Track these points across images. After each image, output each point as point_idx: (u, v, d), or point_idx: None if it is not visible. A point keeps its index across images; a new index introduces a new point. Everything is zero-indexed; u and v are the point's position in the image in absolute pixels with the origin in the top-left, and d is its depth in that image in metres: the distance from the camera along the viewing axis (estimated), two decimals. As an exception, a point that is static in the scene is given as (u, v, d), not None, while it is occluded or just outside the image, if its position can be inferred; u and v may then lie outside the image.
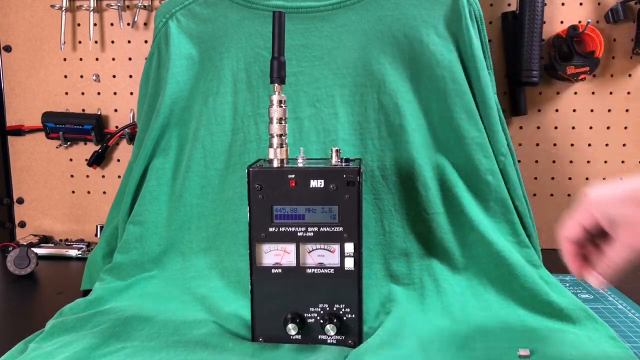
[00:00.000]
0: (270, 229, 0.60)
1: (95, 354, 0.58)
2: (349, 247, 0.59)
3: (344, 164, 0.60)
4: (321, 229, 0.59)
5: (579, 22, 0.96)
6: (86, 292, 0.77)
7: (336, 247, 0.59)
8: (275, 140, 0.60)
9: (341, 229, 0.59)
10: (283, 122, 0.60)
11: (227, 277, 0.77)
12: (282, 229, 0.59)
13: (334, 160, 0.61)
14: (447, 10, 0.79)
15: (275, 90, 0.60)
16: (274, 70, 0.60)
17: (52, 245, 1.04)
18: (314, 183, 0.58)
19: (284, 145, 0.60)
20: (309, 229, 0.59)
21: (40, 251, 0.98)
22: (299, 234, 0.59)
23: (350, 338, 0.61)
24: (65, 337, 0.62)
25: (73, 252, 1.01)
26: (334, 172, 0.58)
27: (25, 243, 1.00)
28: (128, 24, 1.02)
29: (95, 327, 0.64)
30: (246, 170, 0.59)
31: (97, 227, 1.05)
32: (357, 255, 0.59)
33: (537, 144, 1.00)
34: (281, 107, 0.60)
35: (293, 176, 0.58)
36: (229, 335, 0.63)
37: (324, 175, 0.58)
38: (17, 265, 0.89)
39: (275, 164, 0.60)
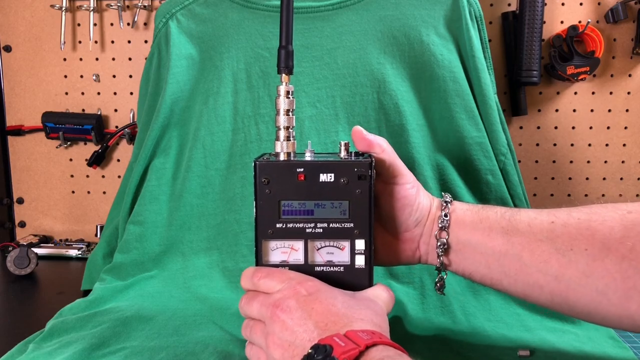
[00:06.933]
0: (278, 225, 0.56)
1: (95, 355, 0.58)
2: (360, 244, 0.56)
3: (353, 158, 0.57)
4: (331, 225, 0.56)
5: (579, 22, 0.96)
6: (86, 292, 0.77)
7: (346, 244, 0.56)
8: (282, 133, 0.56)
9: (352, 225, 0.56)
10: (290, 113, 0.57)
11: (228, 277, 0.76)
12: (289, 225, 0.56)
13: (343, 154, 0.57)
14: (447, 10, 0.79)
15: (282, 80, 0.56)
16: (281, 60, 0.56)
17: (52, 245, 1.04)
18: (323, 177, 0.55)
19: (291, 139, 0.57)
20: (318, 225, 0.56)
21: (40, 251, 0.98)
22: (307, 230, 0.56)
23: None
24: (65, 337, 0.62)
25: (73, 252, 1.01)
26: (344, 165, 0.55)
27: (25, 243, 1.00)
28: (128, 24, 1.02)
29: (95, 327, 0.64)
30: (252, 163, 0.55)
31: (97, 227, 1.05)
32: (368, 253, 0.56)
33: (537, 144, 1.00)
34: (288, 98, 0.56)
35: (302, 170, 0.55)
36: (229, 336, 0.63)
37: (335, 169, 0.55)
38: (17, 265, 0.89)
39: (282, 157, 0.56)
